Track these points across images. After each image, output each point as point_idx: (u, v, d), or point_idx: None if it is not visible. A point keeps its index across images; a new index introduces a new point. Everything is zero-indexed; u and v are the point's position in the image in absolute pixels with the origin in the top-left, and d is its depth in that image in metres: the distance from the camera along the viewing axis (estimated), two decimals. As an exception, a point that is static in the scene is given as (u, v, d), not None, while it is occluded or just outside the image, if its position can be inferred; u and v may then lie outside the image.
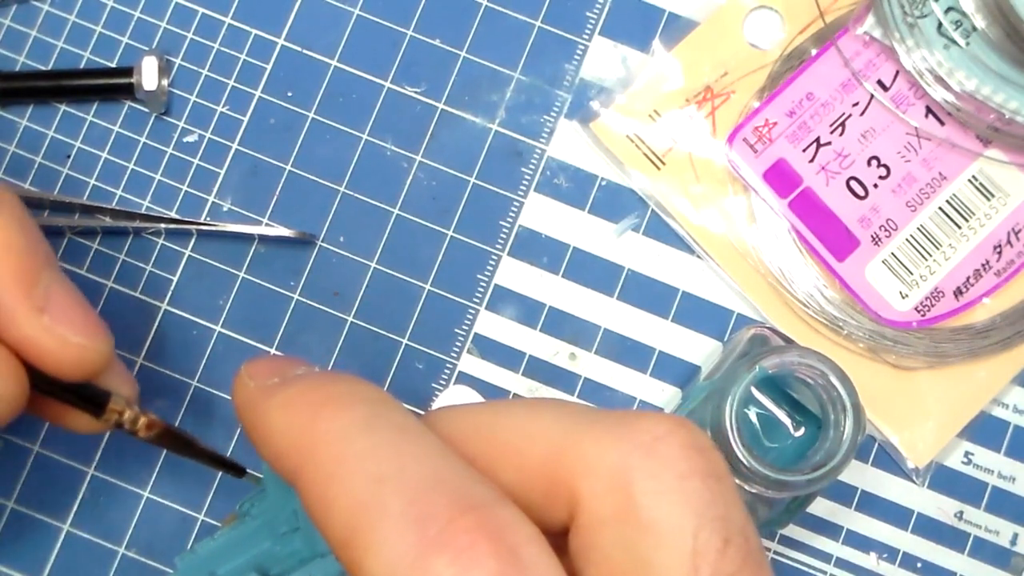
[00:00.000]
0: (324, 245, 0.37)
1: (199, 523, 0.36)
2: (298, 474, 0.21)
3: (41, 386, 0.26)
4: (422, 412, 0.27)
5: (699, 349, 0.37)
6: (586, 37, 0.38)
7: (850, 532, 0.37)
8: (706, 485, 0.20)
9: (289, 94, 0.38)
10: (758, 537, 0.20)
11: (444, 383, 0.37)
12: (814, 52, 0.37)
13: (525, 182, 0.38)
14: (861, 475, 0.37)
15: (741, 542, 0.19)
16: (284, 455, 0.22)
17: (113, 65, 0.38)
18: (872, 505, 0.37)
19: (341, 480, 0.20)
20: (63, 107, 0.38)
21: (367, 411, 0.21)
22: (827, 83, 0.37)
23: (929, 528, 0.37)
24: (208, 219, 0.37)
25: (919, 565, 0.36)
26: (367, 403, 0.22)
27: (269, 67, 0.38)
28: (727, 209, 0.37)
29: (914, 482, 0.37)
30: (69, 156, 0.38)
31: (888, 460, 0.37)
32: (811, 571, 0.36)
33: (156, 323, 0.37)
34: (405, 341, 0.37)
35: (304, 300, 0.37)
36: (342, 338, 0.37)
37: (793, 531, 0.36)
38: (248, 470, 0.31)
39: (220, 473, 0.36)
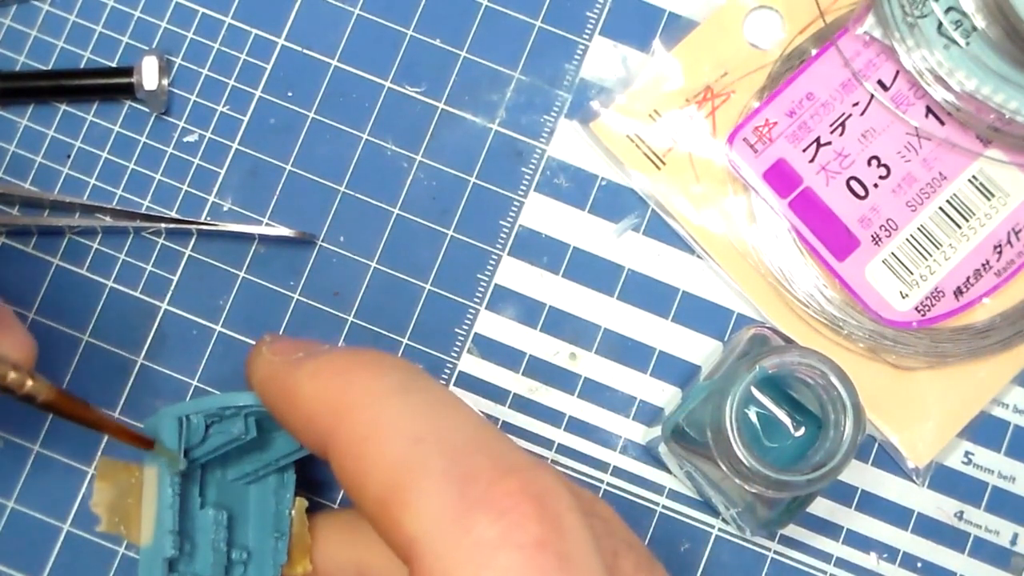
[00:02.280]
0: (324, 245, 0.37)
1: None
2: (331, 435, 0.21)
3: None
4: None
5: (699, 349, 0.37)
6: (586, 37, 0.38)
7: (850, 532, 0.37)
8: None
9: (289, 94, 0.38)
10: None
11: (444, 383, 0.37)
12: (814, 52, 0.37)
13: (525, 182, 0.38)
14: (861, 475, 0.37)
15: None
16: (316, 418, 0.22)
17: (113, 65, 0.38)
18: (872, 505, 0.37)
19: (378, 440, 0.20)
20: (63, 107, 0.38)
21: (401, 376, 0.21)
22: (827, 83, 0.37)
23: (929, 528, 0.37)
24: (208, 219, 0.37)
25: (919, 565, 0.36)
26: (399, 370, 0.22)
27: (269, 67, 0.38)
28: (727, 209, 0.37)
29: (914, 482, 0.37)
30: (69, 156, 0.38)
31: (888, 460, 0.37)
32: (811, 571, 0.36)
33: (156, 323, 0.37)
34: (405, 341, 0.37)
35: (304, 300, 0.37)
36: (342, 338, 0.37)
37: (793, 531, 0.36)
38: (158, 444, 0.31)
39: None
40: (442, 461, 0.19)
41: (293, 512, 0.31)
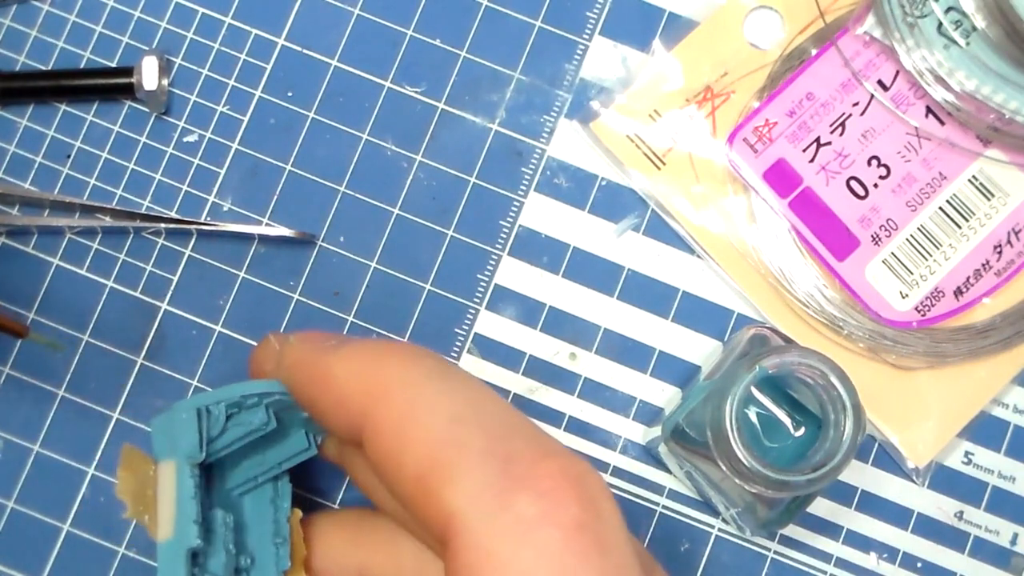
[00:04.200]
0: (324, 245, 0.37)
1: (199, 523, 0.36)
2: (368, 416, 0.21)
3: None
4: None
5: (699, 349, 0.37)
6: (586, 37, 0.38)
7: (850, 532, 0.37)
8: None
9: (289, 94, 0.38)
10: None
11: (444, 383, 0.37)
12: (814, 52, 0.37)
13: (525, 182, 0.38)
14: (861, 475, 0.37)
15: None
16: (351, 399, 0.22)
17: (113, 65, 0.38)
18: (872, 505, 0.37)
19: (417, 419, 0.20)
20: (63, 107, 0.38)
21: (435, 363, 0.22)
22: (827, 83, 0.37)
23: (929, 528, 0.37)
24: (208, 219, 0.37)
25: (919, 565, 0.36)
26: (432, 358, 0.22)
27: (269, 67, 0.38)
28: (727, 209, 0.37)
29: (914, 482, 0.37)
30: (69, 156, 0.38)
31: (888, 460, 0.37)
32: (811, 571, 0.36)
33: (156, 323, 0.37)
34: (405, 341, 0.37)
35: (304, 300, 0.37)
36: (342, 338, 0.37)
37: (793, 531, 0.36)
38: (34, 332, 0.30)
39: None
40: (482, 440, 0.19)
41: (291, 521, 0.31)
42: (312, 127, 0.38)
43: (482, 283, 0.37)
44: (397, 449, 0.21)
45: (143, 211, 0.37)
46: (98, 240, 0.37)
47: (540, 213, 0.37)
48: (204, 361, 0.37)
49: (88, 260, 0.37)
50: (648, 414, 0.37)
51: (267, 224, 0.37)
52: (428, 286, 0.37)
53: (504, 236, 0.37)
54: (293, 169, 0.37)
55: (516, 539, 0.18)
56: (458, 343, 0.37)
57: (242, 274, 0.37)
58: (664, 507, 0.36)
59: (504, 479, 0.19)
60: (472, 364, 0.37)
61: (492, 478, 0.19)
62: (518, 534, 0.18)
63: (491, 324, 0.37)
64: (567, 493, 0.18)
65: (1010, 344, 0.36)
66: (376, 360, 0.22)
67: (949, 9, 0.35)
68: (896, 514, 0.37)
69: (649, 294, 0.37)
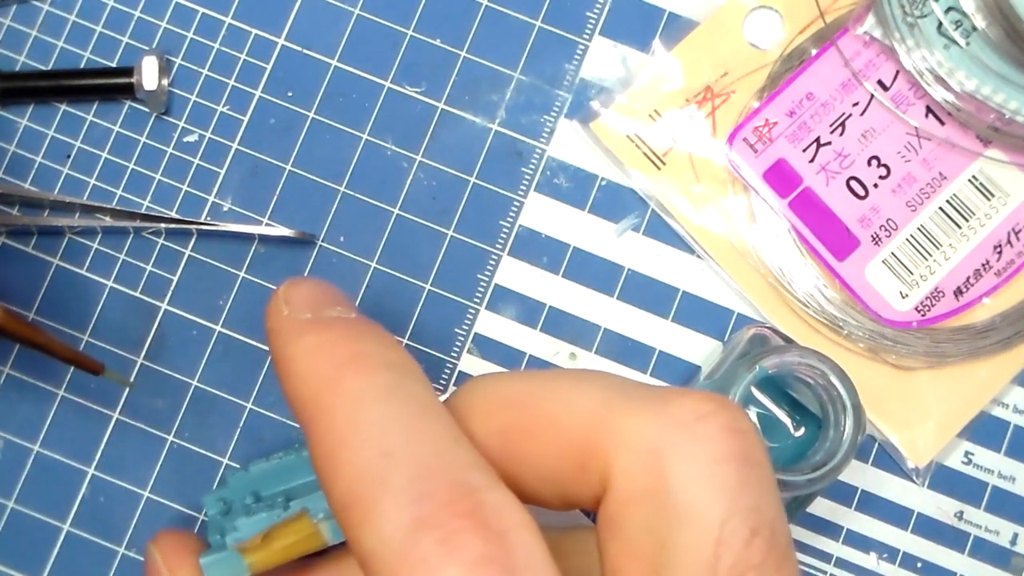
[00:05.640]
0: (324, 245, 0.37)
1: (199, 522, 0.36)
2: (311, 426, 0.22)
3: None
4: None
5: (699, 349, 0.37)
6: (586, 37, 0.38)
7: (850, 532, 0.37)
8: (741, 472, 0.19)
9: (289, 94, 0.38)
10: (787, 530, 0.20)
11: (444, 383, 0.37)
12: (814, 52, 0.37)
13: (525, 182, 0.38)
14: (861, 475, 0.37)
15: (768, 534, 0.19)
16: (302, 403, 0.22)
17: (113, 65, 0.38)
18: (872, 505, 0.37)
19: (350, 446, 0.20)
20: (63, 107, 0.38)
21: (389, 379, 0.22)
22: (827, 83, 0.37)
23: (929, 528, 0.37)
24: (208, 219, 0.37)
25: (919, 565, 0.36)
26: (390, 370, 0.22)
27: (269, 67, 0.38)
28: (727, 209, 0.37)
29: (914, 482, 0.37)
30: (69, 156, 0.38)
31: (888, 460, 0.37)
32: (811, 571, 0.36)
33: (156, 323, 0.37)
34: (405, 341, 0.37)
35: (304, 300, 0.37)
36: (342, 338, 0.37)
37: (793, 531, 0.36)
38: (107, 368, 0.30)
39: (221, 473, 0.36)
40: (403, 478, 0.20)
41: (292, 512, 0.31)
42: (312, 127, 0.38)
43: (482, 283, 0.37)
44: (328, 473, 0.21)
45: (143, 211, 0.37)
46: (98, 240, 0.37)
47: (540, 213, 0.37)
48: (204, 361, 0.37)
49: (88, 260, 0.37)
50: (648, 414, 0.37)
51: (267, 224, 0.37)
52: (428, 286, 0.37)
53: (504, 236, 0.37)
54: (293, 169, 0.37)
55: None
56: (458, 343, 0.37)
57: (242, 274, 0.37)
58: (664, 507, 0.36)
59: (415, 521, 0.19)
60: (472, 364, 0.37)
61: (405, 520, 0.19)
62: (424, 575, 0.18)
63: (491, 324, 0.37)
64: (472, 530, 0.19)
65: (1010, 344, 0.36)
66: (332, 364, 0.22)
67: (949, 9, 0.35)
68: (896, 514, 0.37)
69: (649, 294, 0.37)
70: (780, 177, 0.37)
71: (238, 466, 0.36)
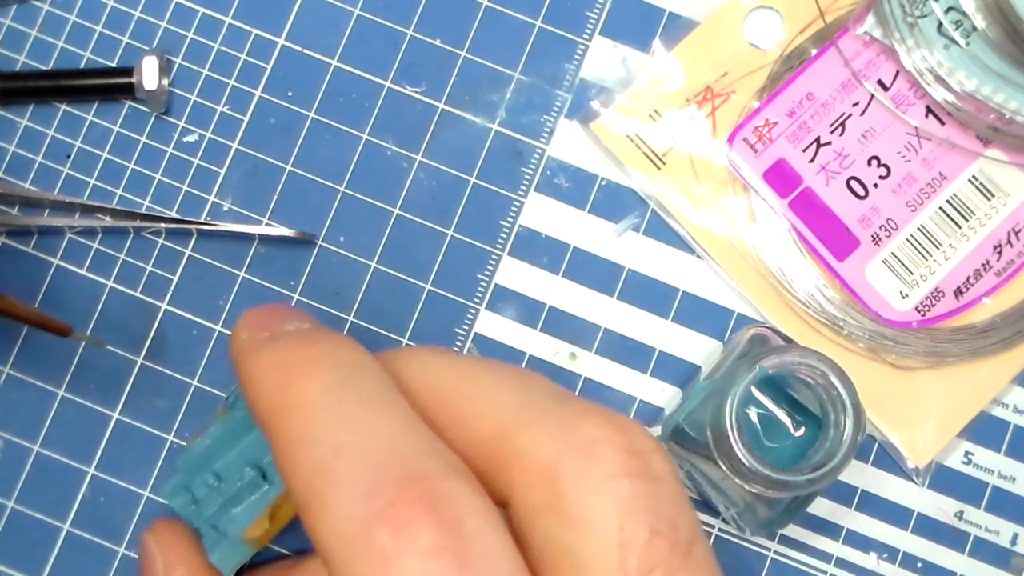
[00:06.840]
0: (324, 245, 0.37)
1: (199, 523, 0.36)
2: (270, 433, 0.23)
3: None
4: None
5: (699, 349, 0.37)
6: (586, 37, 0.38)
7: (850, 532, 0.37)
8: (634, 484, 0.20)
9: (289, 94, 0.38)
10: (693, 530, 0.21)
11: (444, 383, 0.37)
12: (814, 52, 0.37)
13: (525, 182, 0.38)
14: (861, 475, 0.37)
15: (669, 532, 0.20)
16: (261, 414, 0.23)
17: (113, 65, 0.38)
18: (872, 505, 0.37)
19: (303, 446, 0.21)
20: (63, 107, 0.38)
21: (337, 377, 0.22)
22: (827, 83, 0.37)
23: (929, 528, 0.37)
24: (208, 219, 0.37)
25: (919, 565, 0.36)
26: (339, 368, 0.22)
27: (269, 67, 0.38)
28: (727, 209, 0.37)
29: (914, 482, 0.37)
30: (69, 156, 0.38)
31: (888, 460, 0.37)
32: (811, 571, 0.36)
33: (156, 323, 0.37)
34: (405, 341, 0.37)
35: (304, 300, 0.37)
36: (342, 338, 0.37)
37: (793, 531, 0.36)
38: (76, 331, 0.31)
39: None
40: (353, 473, 0.20)
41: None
42: (312, 127, 0.38)
43: (482, 283, 0.37)
44: (288, 474, 0.22)
45: (143, 211, 0.37)
46: (98, 240, 0.37)
47: (540, 213, 0.37)
48: (204, 361, 0.37)
49: (88, 260, 0.37)
50: (648, 414, 0.37)
51: (267, 224, 0.37)
52: (428, 286, 0.37)
53: (504, 236, 0.37)
54: (293, 169, 0.37)
55: (378, 573, 0.19)
56: (458, 343, 0.37)
57: (242, 274, 0.37)
58: (664, 507, 0.36)
59: (367, 514, 0.19)
60: (472, 364, 0.37)
61: (357, 514, 0.19)
62: (379, 568, 0.19)
63: (491, 324, 0.37)
64: (424, 520, 0.19)
65: (1010, 344, 0.36)
66: (283, 373, 0.23)
67: (949, 9, 0.35)
68: (896, 514, 0.37)
69: (649, 294, 0.37)
70: (780, 177, 0.37)
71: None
